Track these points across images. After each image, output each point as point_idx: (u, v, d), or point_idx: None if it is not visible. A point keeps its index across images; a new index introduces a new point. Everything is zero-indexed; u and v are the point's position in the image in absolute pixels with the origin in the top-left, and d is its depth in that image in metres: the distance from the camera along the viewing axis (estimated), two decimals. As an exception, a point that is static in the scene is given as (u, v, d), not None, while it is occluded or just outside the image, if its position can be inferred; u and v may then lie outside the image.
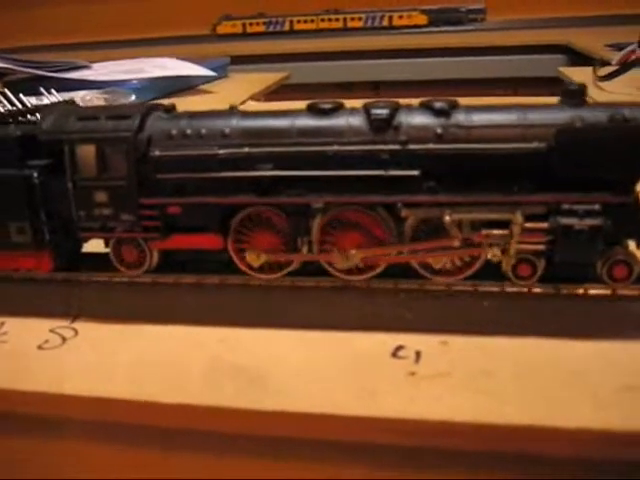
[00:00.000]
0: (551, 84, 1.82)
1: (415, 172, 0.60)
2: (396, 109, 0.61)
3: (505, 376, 0.53)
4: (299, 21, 2.77)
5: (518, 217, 0.59)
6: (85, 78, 1.63)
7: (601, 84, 1.51)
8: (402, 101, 0.63)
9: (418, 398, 0.51)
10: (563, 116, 0.59)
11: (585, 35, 2.32)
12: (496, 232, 0.61)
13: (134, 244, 0.67)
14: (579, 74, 1.66)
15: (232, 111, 0.65)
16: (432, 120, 0.61)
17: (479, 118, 0.60)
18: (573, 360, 0.55)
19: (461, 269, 0.63)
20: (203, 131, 0.63)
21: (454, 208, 0.60)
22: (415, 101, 0.63)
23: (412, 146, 0.60)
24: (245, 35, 2.81)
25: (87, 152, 0.64)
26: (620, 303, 0.62)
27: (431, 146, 0.60)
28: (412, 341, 0.58)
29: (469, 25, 2.76)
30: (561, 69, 1.84)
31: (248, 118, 0.64)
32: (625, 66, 1.50)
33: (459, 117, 0.60)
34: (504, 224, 0.60)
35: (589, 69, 1.60)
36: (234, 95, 1.74)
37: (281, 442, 0.55)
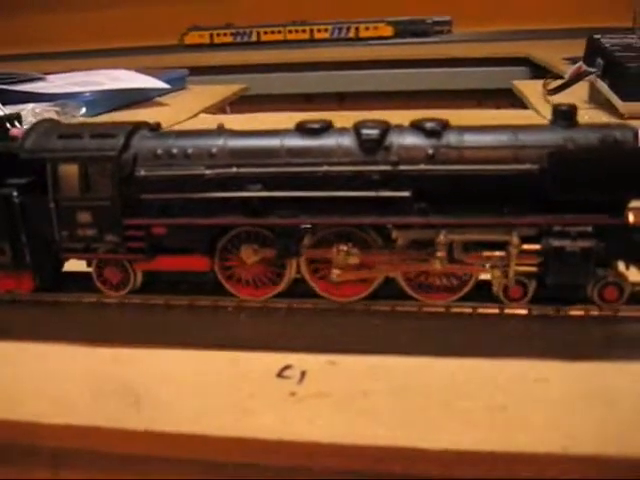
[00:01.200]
0: (513, 96, 1.83)
1: (406, 193, 0.60)
2: (387, 129, 0.61)
3: (384, 397, 0.54)
4: (266, 32, 2.77)
5: (515, 239, 0.59)
6: (36, 91, 1.61)
7: (550, 98, 1.53)
8: (392, 121, 0.62)
9: (293, 419, 0.52)
10: (555, 138, 0.59)
11: (546, 48, 2.34)
12: (492, 254, 0.60)
13: (118, 265, 0.65)
14: (531, 87, 1.68)
15: (219, 130, 0.64)
16: (423, 141, 0.60)
17: (471, 139, 0.60)
18: (453, 379, 0.55)
19: (454, 289, 0.63)
20: (190, 150, 0.62)
21: (446, 230, 0.60)
22: (405, 120, 0.62)
23: (403, 167, 0.60)
24: (212, 46, 2.80)
25: (70, 171, 0.63)
26: (510, 321, 0.62)
27: (422, 167, 0.59)
28: (300, 361, 0.58)
29: (435, 37, 2.77)
30: (515, 82, 1.86)
31: (236, 137, 0.63)
32: (570, 80, 1.51)
33: (450, 138, 0.60)
34: (494, 245, 0.60)
35: (541, 82, 1.61)
36: (187, 108, 1.74)
37: (160, 462, 0.55)
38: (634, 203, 0.59)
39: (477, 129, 0.61)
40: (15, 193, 0.64)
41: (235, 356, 0.59)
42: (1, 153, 0.65)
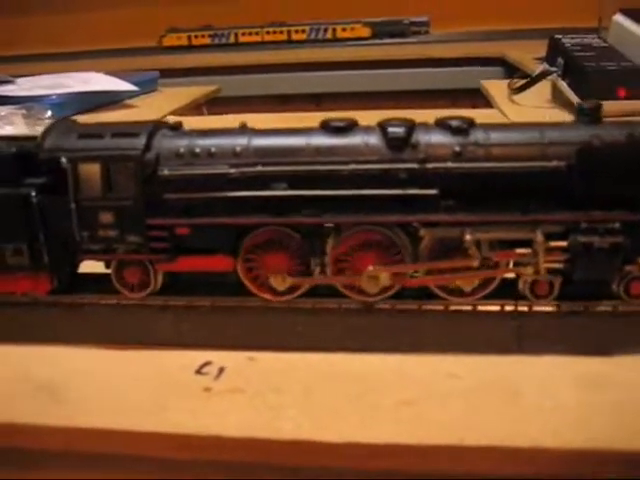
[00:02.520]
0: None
1: (433, 191, 0.60)
2: (412, 127, 0.61)
3: (296, 392, 0.56)
4: (244, 34, 2.75)
5: (539, 236, 0.59)
6: (3, 94, 1.60)
7: (515, 97, 1.55)
8: (417, 118, 0.62)
9: (204, 414, 0.54)
10: (581, 134, 0.59)
11: (520, 48, 2.35)
12: (519, 251, 0.60)
13: (139, 266, 0.64)
14: (498, 87, 1.69)
15: (243, 129, 0.63)
16: (450, 138, 0.60)
17: (497, 136, 0.60)
18: (366, 375, 0.58)
19: (479, 289, 0.63)
20: (213, 149, 0.62)
21: (473, 227, 0.60)
22: (430, 118, 0.62)
23: (430, 165, 0.59)
24: (191, 47, 2.78)
25: (92, 171, 0.62)
26: (428, 318, 0.63)
27: (450, 165, 0.59)
28: (221, 357, 0.61)
29: (412, 37, 2.78)
30: (483, 82, 1.87)
31: (260, 136, 0.62)
32: (532, 80, 1.54)
33: (477, 135, 0.60)
34: (522, 243, 0.60)
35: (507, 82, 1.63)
36: (156, 110, 1.74)
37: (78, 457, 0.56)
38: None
39: (503, 127, 0.62)
40: (33, 193, 0.63)
41: (158, 354, 0.62)
42: (20, 153, 0.63)
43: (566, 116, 1.33)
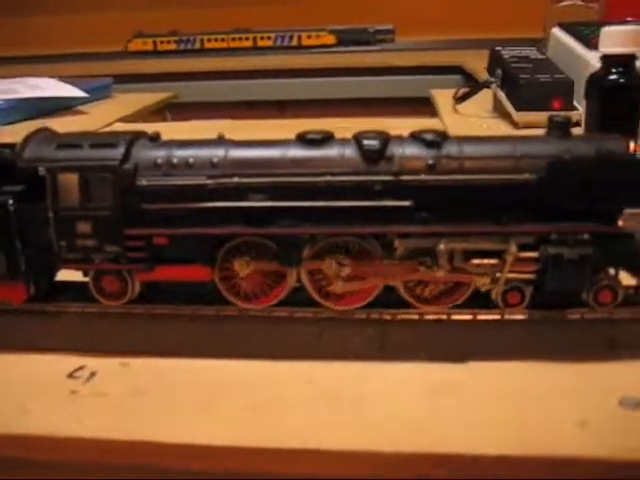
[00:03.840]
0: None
1: (408, 203, 0.61)
2: (387, 140, 0.62)
3: (154, 396, 0.59)
4: (210, 40, 2.75)
5: (513, 247, 0.60)
6: None
7: (459, 107, 1.59)
8: (392, 132, 0.63)
9: (65, 417, 0.56)
10: (551, 148, 0.61)
11: (477, 57, 2.38)
12: (489, 262, 0.62)
13: (116, 275, 0.65)
14: (444, 96, 1.71)
15: (221, 140, 0.64)
16: (424, 151, 0.61)
17: (470, 149, 0.61)
18: (223, 379, 0.61)
19: (451, 297, 0.64)
20: (191, 160, 0.62)
21: (446, 238, 0.61)
22: (404, 132, 0.64)
23: (405, 177, 0.61)
24: (157, 53, 2.77)
25: (70, 181, 0.62)
26: (298, 324, 0.65)
27: (423, 177, 0.61)
28: (95, 362, 0.63)
29: (377, 45, 2.80)
30: (432, 91, 1.89)
31: (237, 147, 0.63)
32: (472, 90, 1.57)
33: (451, 148, 0.61)
34: (493, 253, 0.62)
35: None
36: (105, 117, 1.75)
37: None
38: (628, 211, 0.61)
39: (476, 140, 0.63)
40: (10, 201, 0.63)
41: (33, 358, 0.64)
42: (-3, 162, 0.64)
43: (504, 126, 1.39)
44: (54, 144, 0.64)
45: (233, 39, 2.75)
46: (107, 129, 1.59)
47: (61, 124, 1.61)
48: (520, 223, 0.61)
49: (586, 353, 0.61)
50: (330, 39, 2.76)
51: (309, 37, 2.76)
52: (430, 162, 0.61)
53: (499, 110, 1.49)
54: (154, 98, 2.08)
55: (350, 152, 0.62)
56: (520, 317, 0.64)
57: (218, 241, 0.64)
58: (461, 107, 1.59)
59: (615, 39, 0.87)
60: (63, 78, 1.85)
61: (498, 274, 0.62)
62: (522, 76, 1.37)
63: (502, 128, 1.39)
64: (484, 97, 1.57)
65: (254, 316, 0.65)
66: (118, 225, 0.62)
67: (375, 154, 0.61)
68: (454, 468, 0.51)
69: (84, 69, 2.37)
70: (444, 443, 0.52)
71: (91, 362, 0.63)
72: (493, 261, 0.62)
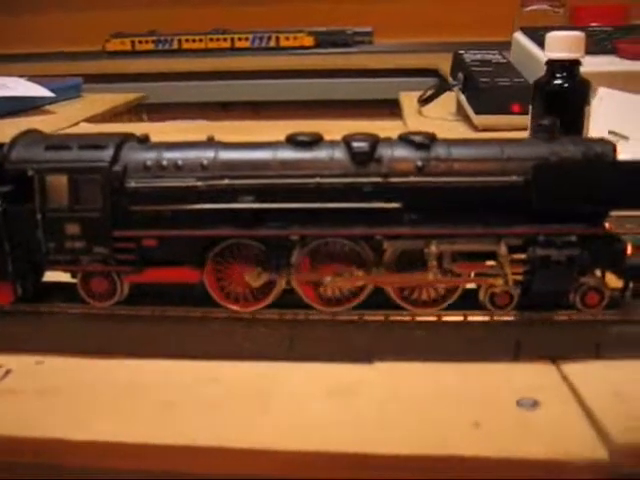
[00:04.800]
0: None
1: (397, 204, 0.61)
2: (376, 142, 0.62)
3: (61, 394, 0.60)
4: (187, 40, 2.75)
5: (503, 248, 0.61)
6: None
7: (424, 110, 1.61)
8: (381, 135, 0.64)
9: None
10: (538, 151, 0.61)
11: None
12: (480, 263, 0.62)
13: (104, 276, 0.65)
14: (412, 98, 1.72)
15: (210, 142, 0.64)
16: (413, 153, 0.62)
17: (458, 152, 0.62)
18: (140, 377, 0.62)
19: (441, 300, 0.64)
20: (180, 162, 0.62)
21: (435, 240, 0.61)
22: (393, 134, 0.64)
23: (394, 179, 0.61)
24: (134, 53, 2.77)
25: (59, 183, 0.62)
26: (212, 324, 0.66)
27: (412, 179, 0.61)
28: (13, 360, 0.64)
29: (355, 47, 2.80)
30: (401, 93, 1.90)
31: (227, 149, 0.63)
32: (434, 93, 1.59)
33: (439, 150, 0.62)
34: (483, 255, 0.62)
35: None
36: (71, 116, 1.75)
37: None
38: (613, 213, 0.62)
39: (464, 142, 0.63)
40: (-2, 202, 0.63)
41: None
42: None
43: (464, 129, 1.42)
44: (42, 145, 0.63)
45: (211, 40, 2.76)
46: (72, 129, 1.60)
47: (27, 124, 1.60)
48: (508, 225, 0.61)
49: (492, 355, 0.63)
50: (308, 41, 2.77)
51: (287, 38, 2.77)
52: (419, 164, 0.61)
53: (462, 113, 1.51)
54: (123, 99, 2.07)
55: (339, 154, 0.62)
56: (431, 319, 0.65)
57: (207, 243, 0.64)
58: (426, 110, 1.61)
59: (559, 44, 0.88)
60: (32, 78, 1.84)
61: (489, 276, 0.62)
62: (482, 80, 1.39)
63: (461, 131, 1.41)
64: (451, 100, 1.59)
65: (167, 316, 0.66)
66: (107, 227, 0.62)
67: (364, 156, 0.62)
68: (344, 467, 0.52)
69: (61, 68, 2.37)
70: (339, 442, 0.53)
71: (8, 360, 0.64)
72: (485, 263, 0.62)
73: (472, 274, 0.63)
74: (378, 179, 0.61)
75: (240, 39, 2.77)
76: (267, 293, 0.65)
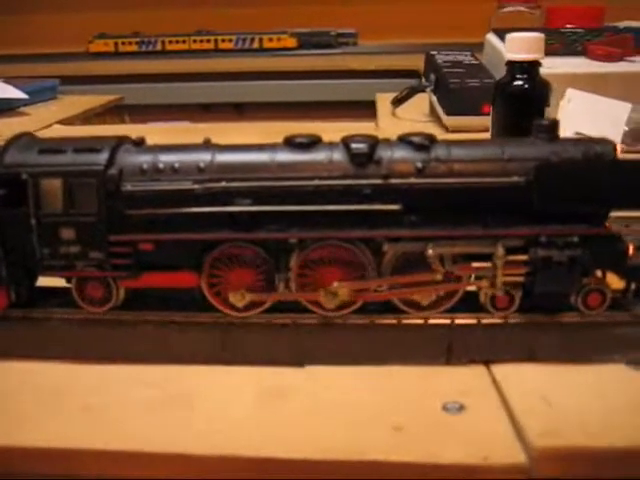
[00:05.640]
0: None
1: (396, 206, 0.61)
2: (375, 143, 0.62)
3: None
4: (171, 41, 2.74)
5: (500, 250, 0.60)
6: None
7: (397, 110, 1.61)
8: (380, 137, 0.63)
9: None
10: (539, 151, 0.61)
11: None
12: (480, 265, 0.62)
13: (100, 281, 0.64)
14: (387, 99, 1.72)
15: (207, 145, 0.63)
16: (412, 154, 0.61)
17: (458, 152, 0.61)
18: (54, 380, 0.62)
19: (441, 302, 0.64)
20: (177, 165, 0.62)
21: (436, 242, 0.61)
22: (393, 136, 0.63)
23: (394, 180, 0.60)
24: (118, 54, 2.75)
25: (53, 187, 0.61)
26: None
27: (412, 180, 0.60)
28: None
29: (339, 49, 2.80)
30: (377, 94, 1.89)
31: (224, 152, 0.62)
32: (407, 94, 1.60)
33: (439, 151, 0.61)
34: (485, 257, 0.62)
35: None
36: (45, 118, 1.74)
37: None
38: (614, 213, 0.62)
39: (464, 143, 0.63)
40: (-10, 206, 0.62)
41: None
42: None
43: (433, 129, 1.40)
44: (36, 149, 0.62)
45: (194, 41, 2.75)
46: (45, 131, 1.59)
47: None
48: (509, 226, 0.61)
49: (425, 359, 0.62)
50: (291, 42, 2.77)
51: (270, 40, 2.76)
52: (419, 165, 0.61)
53: (435, 114, 1.51)
54: (99, 100, 2.06)
55: (338, 156, 0.61)
56: (364, 322, 0.64)
57: (205, 247, 0.63)
58: (401, 111, 1.61)
59: (519, 46, 0.88)
60: (8, 79, 1.83)
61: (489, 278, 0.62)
62: (452, 81, 1.40)
63: (432, 131, 1.38)
64: (425, 101, 1.59)
65: (96, 320, 0.65)
66: (103, 231, 0.61)
67: (364, 158, 0.61)
68: (254, 471, 0.53)
69: (44, 70, 2.34)
70: (256, 447, 0.53)
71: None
72: (485, 264, 0.61)
73: (473, 277, 0.63)
74: (378, 181, 0.61)
75: (224, 40, 2.76)
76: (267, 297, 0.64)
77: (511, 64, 0.89)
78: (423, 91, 1.56)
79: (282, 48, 2.77)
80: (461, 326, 0.63)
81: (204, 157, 0.62)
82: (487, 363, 0.62)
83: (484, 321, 0.63)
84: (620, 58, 1.40)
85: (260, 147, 0.62)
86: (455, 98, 1.37)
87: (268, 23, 2.79)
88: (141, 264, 0.63)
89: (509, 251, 0.61)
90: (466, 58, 1.59)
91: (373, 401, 0.58)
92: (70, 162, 0.61)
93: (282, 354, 0.63)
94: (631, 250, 0.62)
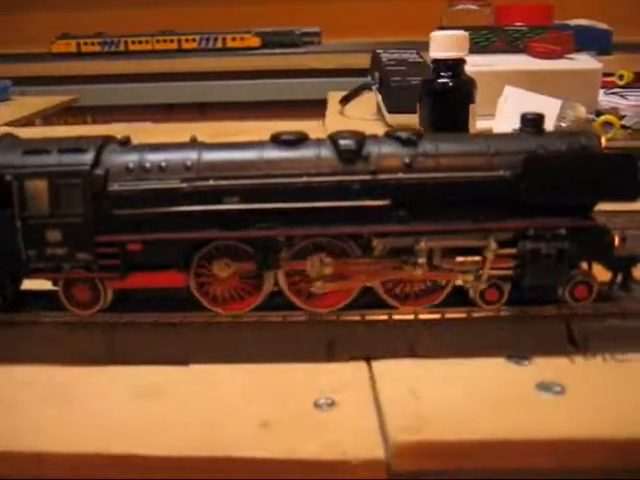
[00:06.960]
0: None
1: (385, 202, 0.61)
2: (363, 139, 0.62)
3: None
4: (134, 42, 2.71)
5: (492, 244, 0.60)
6: None
7: (345, 109, 1.62)
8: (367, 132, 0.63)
9: None
10: (526, 144, 0.61)
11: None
12: (469, 259, 0.62)
13: (87, 283, 0.63)
14: (336, 98, 1.72)
15: (194, 143, 0.63)
16: (400, 150, 0.61)
17: (445, 147, 0.62)
18: None
19: (432, 295, 0.64)
20: (163, 164, 0.61)
21: (425, 236, 0.61)
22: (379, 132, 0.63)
23: (382, 176, 0.60)
24: (81, 54, 2.72)
25: (38, 188, 0.60)
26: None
27: (400, 175, 0.61)
28: None
29: (303, 48, 2.80)
30: (330, 93, 1.89)
31: (211, 150, 0.62)
32: (353, 92, 1.61)
33: (426, 146, 0.61)
34: (473, 251, 0.62)
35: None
36: None
37: None
38: (600, 205, 0.63)
39: (451, 138, 0.63)
40: (-27, 209, 0.61)
41: None
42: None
43: (377, 127, 1.41)
44: (20, 150, 0.61)
45: (158, 41, 2.73)
46: None
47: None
48: (497, 220, 0.61)
49: (307, 354, 0.63)
50: (255, 41, 2.76)
51: (234, 39, 2.75)
52: (407, 160, 0.61)
53: (381, 112, 1.52)
54: (52, 101, 2.04)
55: (326, 152, 0.61)
56: (251, 320, 0.64)
57: (193, 246, 0.62)
58: (349, 109, 1.62)
59: (443, 44, 0.88)
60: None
61: (480, 271, 0.62)
62: (393, 79, 1.41)
63: (376, 130, 1.39)
64: (373, 100, 1.59)
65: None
66: (89, 232, 0.61)
67: (351, 154, 0.61)
68: (124, 468, 0.53)
69: (5, 70, 2.32)
70: (125, 444, 0.53)
71: None
72: (474, 258, 0.62)
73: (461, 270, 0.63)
74: (366, 177, 0.61)
75: (187, 40, 2.75)
76: (255, 295, 0.63)
77: (436, 62, 0.89)
78: (370, 89, 1.57)
79: (246, 47, 2.76)
80: (344, 323, 0.63)
81: (191, 155, 0.61)
82: (368, 360, 0.62)
83: (368, 317, 0.63)
84: (560, 56, 1.43)
85: (247, 145, 0.62)
86: (396, 96, 1.38)
87: (232, 22, 2.78)
88: (129, 265, 0.62)
89: (499, 244, 0.61)
90: (411, 56, 1.60)
91: (245, 398, 0.58)
92: (55, 163, 0.60)
93: (168, 353, 0.63)
94: (617, 241, 0.62)
